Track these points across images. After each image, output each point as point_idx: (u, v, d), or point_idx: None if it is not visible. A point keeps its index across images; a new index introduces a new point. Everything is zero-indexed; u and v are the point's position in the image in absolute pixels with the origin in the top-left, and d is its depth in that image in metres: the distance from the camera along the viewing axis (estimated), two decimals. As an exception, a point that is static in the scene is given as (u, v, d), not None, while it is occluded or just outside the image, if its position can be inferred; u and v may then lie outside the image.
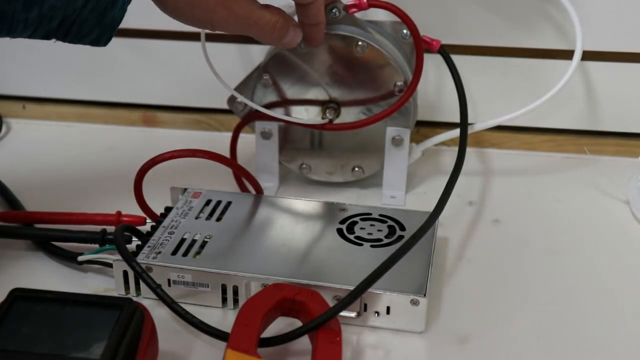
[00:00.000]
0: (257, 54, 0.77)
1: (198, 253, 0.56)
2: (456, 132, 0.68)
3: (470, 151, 0.73)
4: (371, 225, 0.60)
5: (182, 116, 0.83)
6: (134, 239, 0.58)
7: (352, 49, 0.64)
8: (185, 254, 0.55)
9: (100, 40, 0.52)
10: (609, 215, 0.68)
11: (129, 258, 0.53)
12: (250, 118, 0.69)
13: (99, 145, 0.79)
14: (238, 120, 0.70)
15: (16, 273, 0.59)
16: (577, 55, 0.69)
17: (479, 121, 0.70)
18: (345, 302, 0.49)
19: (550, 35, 0.74)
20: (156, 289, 0.52)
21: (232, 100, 0.70)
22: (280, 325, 0.50)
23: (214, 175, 0.67)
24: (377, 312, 0.52)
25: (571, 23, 0.70)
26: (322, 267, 0.54)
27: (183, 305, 0.51)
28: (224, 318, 0.54)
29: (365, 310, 0.52)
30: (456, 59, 0.67)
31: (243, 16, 0.55)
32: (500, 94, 0.77)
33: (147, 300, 0.53)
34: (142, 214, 0.61)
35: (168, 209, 0.61)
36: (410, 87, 0.64)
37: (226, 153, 0.66)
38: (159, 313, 0.51)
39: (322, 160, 0.70)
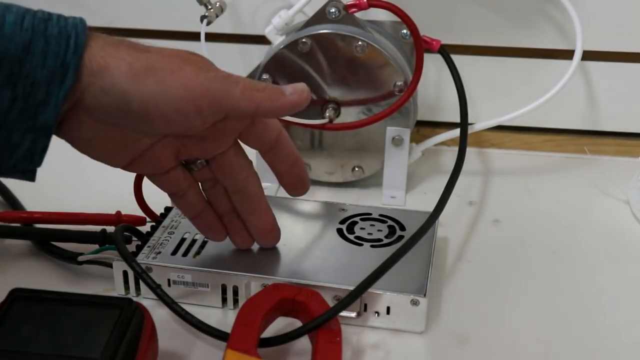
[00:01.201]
0: (257, 54, 0.77)
1: (198, 253, 0.56)
2: (456, 132, 0.68)
3: (470, 151, 0.73)
4: (371, 225, 0.60)
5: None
6: (134, 239, 0.58)
7: (352, 49, 0.64)
8: (185, 254, 0.55)
9: (35, 150, 0.45)
10: (609, 215, 0.67)
11: (129, 258, 0.53)
12: (250, 118, 0.69)
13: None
14: (238, 120, 0.70)
15: (16, 273, 0.59)
16: (577, 55, 0.69)
17: (479, 121, 0.70)
18: (346, 302, 0.49)
19: (550, 35, 0.74)
20: (156, 289, 0.51)
21: (232, 100, 0.70)
22: (280, 325, 0.50)
23: (214, 175, 0.67)
24: (377, 312, 0.52)
25: (571, 23, 0.70)
26: (322, 267, 0.54)
27: (183, 306, 0.51)
28: (224, 318, 0.54)
29: (365, 310, 0.52)
30: (456, 59, 0.67)
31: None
32: (500, 94, 0.77)
33: (147, 301, 0.53)
34: (142, 214, 0.61)
35: (168, 209, 0.61)
36: (410, 87, 0.64)
37: (226, 153, 0.66)
38: (159, 313, 0.51)
39: (322, 160, 0.70)
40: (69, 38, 0.43)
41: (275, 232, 0.55)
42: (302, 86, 0.49)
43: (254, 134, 0.51)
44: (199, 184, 0.53)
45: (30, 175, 0.47)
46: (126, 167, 0.50)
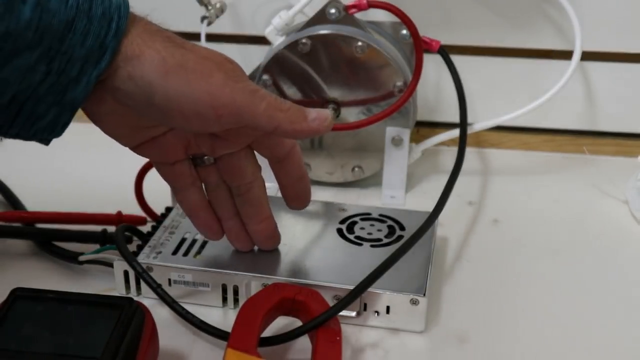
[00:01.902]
0: (257, 54, 0.77)
1: (198, 253, 0.56)
2: (456, 132, 0.68)
3: (469, 151, 0.73)
4: (371, 225, 0.60)
5: (182, 116, 0.83)
6: (135, 238, 0.58)
7: (352, 49, 0.64)
8: (185, 254, 0.55)
9: (57, 123, 0.45)
10: (608, 215, 0.68)
11: (130, 258, 0.53)
12: (250, 118, 0.69)
13: (99, 145, 0.79)
14: (238, 120, 0.70)
15: (17, 273, 0.59)
16: (577, 56, 0.69)
17: (479, 121, 0.71)
18: (345, 301, 0.49)
19: (549, 36, 0.74)
20: (157, 288, 0.52)
21: (232, 100, 0.70)
22: (280, 325, 0.51)
23: (214, 175, 0.67)
24: (377, 312, 0.52)
25: (570, 23, 0.70)
26: (322, 267, 0.54)
27: (183, 305, 0.51)
28: (224, 318, 0.54)
29: (365, 309, 0.52)
30: (456, 59, 0.67)
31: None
32: (500, 94, 0.77)
33: (148, 300, 0.53)
34: (143, 214, 0.61)
35: (169, 209, 0.61)
36: (410, 87, 0.64)
37: (226, 153, 0.66)
38: (159, 313, 0.51)
39: (322, 160, 0.70)
40: (112, 20, 0.43)
41: (275, 239, 0.55)
42: (325, 114, 0.49)
43: (267, 144, 0.51)
44: (203, 184, 0.53)
45: (46, 142, 0.47)
46: (135, 149, 0.51)
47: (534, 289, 0.58)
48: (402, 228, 0.59)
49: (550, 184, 0.73)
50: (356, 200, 0.69)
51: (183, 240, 0.57)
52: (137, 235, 0.58)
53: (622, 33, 0.73)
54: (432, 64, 0.74)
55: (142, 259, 0.54)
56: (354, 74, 0.66)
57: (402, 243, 0.53)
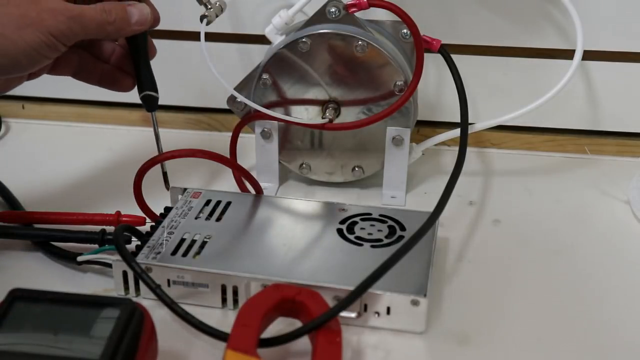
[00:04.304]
0: (257, 54, 0.77)
1: (198, 253, 0.56)
2: (456, 132, 0.68)
3: (470, 151, 0.73)
4: (371, 225, 0.59)
5: (182, 116, 0.83)
6: (134, 239, 0.58)
7: (352, 49, 0.64)
8: (184, 254, 0.55)
9: None
10: (609, 215, 0.67)
11: (129, 258, 0.53)
12: (250, 118, 0.69)
13: (98, 145, 0.79)
14: (238, 120, 0.70)
15: (15, 273, 0.59)
16: (578, 55, 0.69)
17: (480, 121, 0.70)
18: (346, 302, 0.49)
19: (551, 35, 0.74)
20: (156, 289, 0.51)
21: (232, 100, 0.70)
22: (280, 325, 0.50)
23: (214, 175, 0.67)
24: (378, 313, 0.52)
25: (572, 23, 0.69)
26: (322, 267, 0.54)
27: (183, 306, 0.51)
28: (223, 318, 0.54)
29: (365, 310, 0.52)
30: (456, 58, 0.67)
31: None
32: (500, 94, 0.77)
33: (147, 301, 0.53)
34: (142, 214, 0.61)
35: (168, 209, 0.61)
36: (411, 87, 0.64)
37: (226, 153, 0.66)
38: (158, 313, 0.51)
39: (322, 160, 0.70)
40: None
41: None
42: (145, 14, 0.58)
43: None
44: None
45: None
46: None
47: (535, 290, 0.57)
48: (403, 228, 0.59)
49: (552, 184, 0.73)
50: (356, 200, 0.69)
51: (182, 240, 0.57)
52: (136, 235, 0.58)
53: (623, 32, 0.73)
54: (433, 63, 0.74)
55: (141, 259, 0.54)
56: (354, 74, 0.65)
57: (403, 243, 0.53)
